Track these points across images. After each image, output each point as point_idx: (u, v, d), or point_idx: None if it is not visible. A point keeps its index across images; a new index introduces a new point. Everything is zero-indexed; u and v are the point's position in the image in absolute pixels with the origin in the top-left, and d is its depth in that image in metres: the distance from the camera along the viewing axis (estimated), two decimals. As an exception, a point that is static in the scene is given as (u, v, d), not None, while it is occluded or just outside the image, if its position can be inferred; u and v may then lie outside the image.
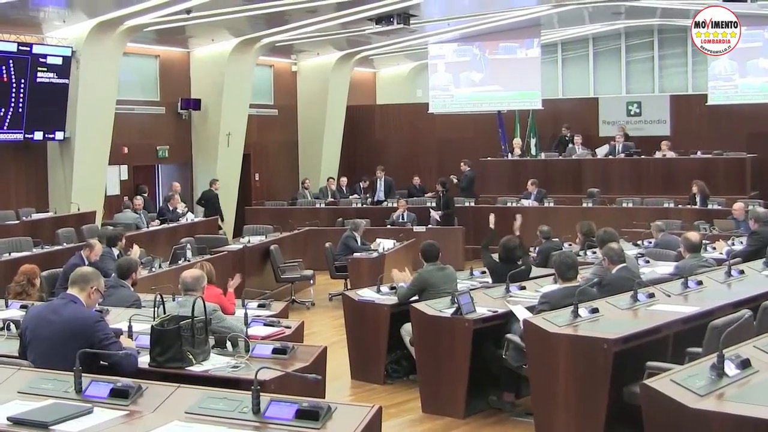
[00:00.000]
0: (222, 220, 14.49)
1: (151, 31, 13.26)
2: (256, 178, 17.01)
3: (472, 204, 13.96)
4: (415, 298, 6.39)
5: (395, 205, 13.53)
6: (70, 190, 12.43)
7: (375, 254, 10.07)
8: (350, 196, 15.81)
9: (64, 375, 3.38)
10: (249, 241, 10.51)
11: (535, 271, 7.23)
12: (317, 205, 14.61)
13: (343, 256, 10.34)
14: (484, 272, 7.43)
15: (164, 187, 15.11)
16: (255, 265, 10.18)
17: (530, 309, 5.32)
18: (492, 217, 8.14)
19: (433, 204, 13.55)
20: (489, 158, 15.56)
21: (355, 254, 10.20)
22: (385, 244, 10.42)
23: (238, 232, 13.84)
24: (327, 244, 10.59)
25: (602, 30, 17.34)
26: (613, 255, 5.86)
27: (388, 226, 12.71)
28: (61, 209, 12.27)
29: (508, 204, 13.62)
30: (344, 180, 16.47)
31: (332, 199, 15.33)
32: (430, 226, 12.79)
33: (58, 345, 3.81)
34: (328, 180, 16.07)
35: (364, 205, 14.60)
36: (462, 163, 15.12)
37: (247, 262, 9.96)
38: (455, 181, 14.56)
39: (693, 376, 3.31)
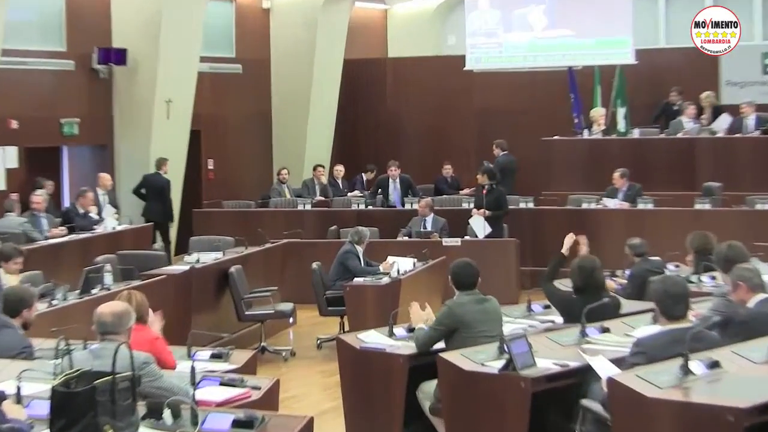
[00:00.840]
0: (171, 219, 14.69)
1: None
2: (210, 167, 16.97)
3: (531, 205, 13.85)
4: (442, 345, 6.36)
5: (415, 206, 13.42)
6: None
7: (386, 279, 9.97)
8: (348, 194, 15.61)
9: None
10: (198, 260, 10.41)
11: (625, 305, 7.17)
12: (300, 207, 14.46)
13: (338, 281, 10.33)
14: (547, 307, 7.49)
15: (75, 179, 15.00)
16: (207, 295, 10.18)
17: (617, 362, 5.32)
18: (569, 241, 7.64)
19: (472, 203, 13.39)
20: (555, 137, 15.40)
21: (356, 279, 10.16)
22: (401, 265, 10.32)
23: (182, 246, 13.64)
24: (314, 265, 10.55)
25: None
26: (752, 278, 5.88)
27: (405, 238, 12.64)
28: None
29: (584, 205, 13.43)
30: (340, 169, 16.38)
31: (322, 198, 15.23)
32: (466, 237, 12.67)
33: None
34: (315, 169, 15.93)
35: (370, 207, 14.47)
36: (494, 146, 15.12)
37: (196, 291, 9.96)
38: None
39: None
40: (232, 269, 10.29)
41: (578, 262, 6.91)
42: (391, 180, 15.03)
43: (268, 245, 11.77)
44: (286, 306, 10.44)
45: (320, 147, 17.94)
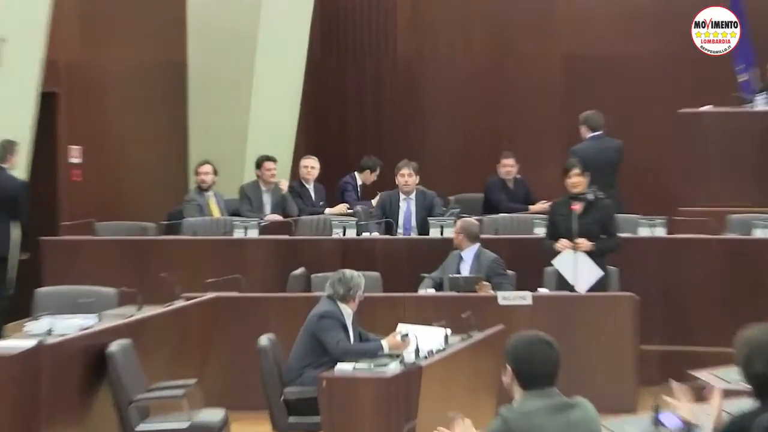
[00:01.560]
0: (20, 249, 14.19)
1: None
2: (75, 159, 16.06)
3: (660, 232, 12.88)
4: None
5: (449, 233, 12.69)
6: None
7: (394, 366, 9.71)
8: (327, 210, 14.97)
9: None
10: (51, 331, 10.02)
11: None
12: (239, 233, 13.89)
13: (307, 369, 10.35)
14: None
15: None
16: (68, 393, 9.81)
17: None
18: (716, 396, 7.03)
19: (544, 228, 12.38)
20: (705, 108, 15.29)
21: (339, 366, 9.80)
22: (423, 340, 10.10)
23: (22, 305, 12.59)
24: (265, 340, 10.31)
25: None
26: None
27: (431, 291, 12.07)
28: None
29: (757, 232, 12.70)
30: (311, 166, 15.61)
31: (277, 217, 14.67)
32: (543, 290, 11.79)
33: None
34: (262, 166, 15.08)
35: (367, 233, 13.87)
36: (582, 125, 14.53)
37: (48, 386, 9.51)
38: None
39: None
40: (114, 347, 9.95)
41: (753, 339, 6.34)
42: (402, 197, 14.32)
43: (180, 303, 11.28)
44: (212, 415, 10.09)
45: (275, 127, 16.94)
